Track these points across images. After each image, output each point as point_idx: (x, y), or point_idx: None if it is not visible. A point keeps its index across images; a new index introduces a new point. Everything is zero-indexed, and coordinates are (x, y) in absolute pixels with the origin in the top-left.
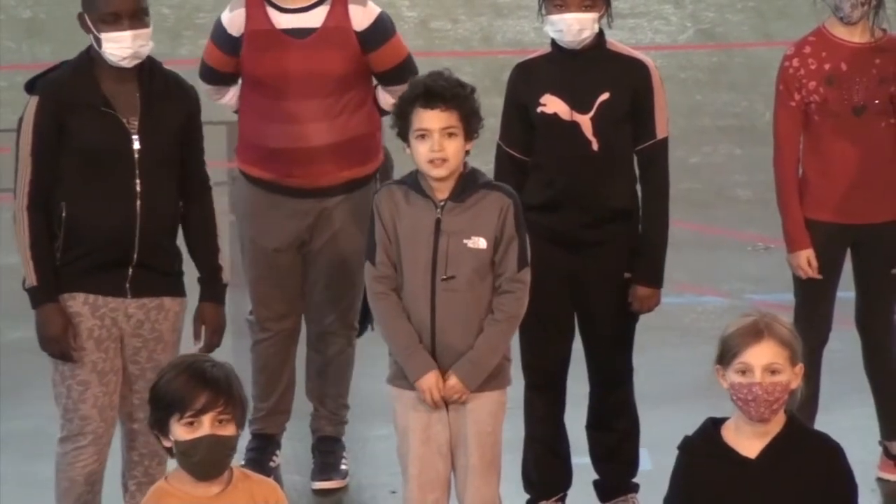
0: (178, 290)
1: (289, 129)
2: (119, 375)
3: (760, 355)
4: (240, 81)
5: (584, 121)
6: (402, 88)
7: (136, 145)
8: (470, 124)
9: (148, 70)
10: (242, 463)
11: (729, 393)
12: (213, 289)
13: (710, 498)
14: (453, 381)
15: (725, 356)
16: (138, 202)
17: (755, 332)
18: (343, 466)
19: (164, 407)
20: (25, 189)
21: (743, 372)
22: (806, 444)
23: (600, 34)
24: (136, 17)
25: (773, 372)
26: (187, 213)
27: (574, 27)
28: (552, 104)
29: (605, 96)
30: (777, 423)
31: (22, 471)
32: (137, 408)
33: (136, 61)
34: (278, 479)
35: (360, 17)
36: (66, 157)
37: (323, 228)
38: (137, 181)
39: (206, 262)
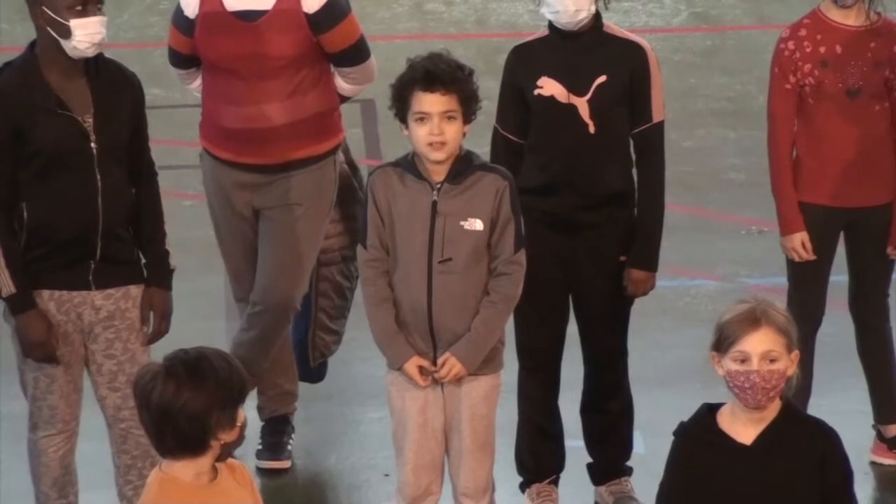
0: (140, 278)
1: (243, 111)
2: (82, 363)
3: (758, 343)
4: None
5: (581, 104)
6: (355, 70)
7: (94, 144)
8: (468, 107)
9: (94, 62)
10: (259, 446)
11: (725, 380)
12: (159, 274)
13: (705, 484)
14: (452, 361)
15: (722, 344)
16: (99, 198)
17: (752, 319)
18: (290, 447)
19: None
20: None
21: (741, 360)
22: (801, 430)
23: (597, 17)
24: (98, 2)
25: (771, 360)
26: (134, 202)
27: (570, 8)
28: (549, 87)
29: (602, 79)
30: (773, 410)
31: (19, 451)
32: (121, 407)
33: (99, 50)
34: (295, 462)
35: (311, 0)
36: (25, 160)
37: (278, 198)
38: (98, 178)
39: (153, 247)
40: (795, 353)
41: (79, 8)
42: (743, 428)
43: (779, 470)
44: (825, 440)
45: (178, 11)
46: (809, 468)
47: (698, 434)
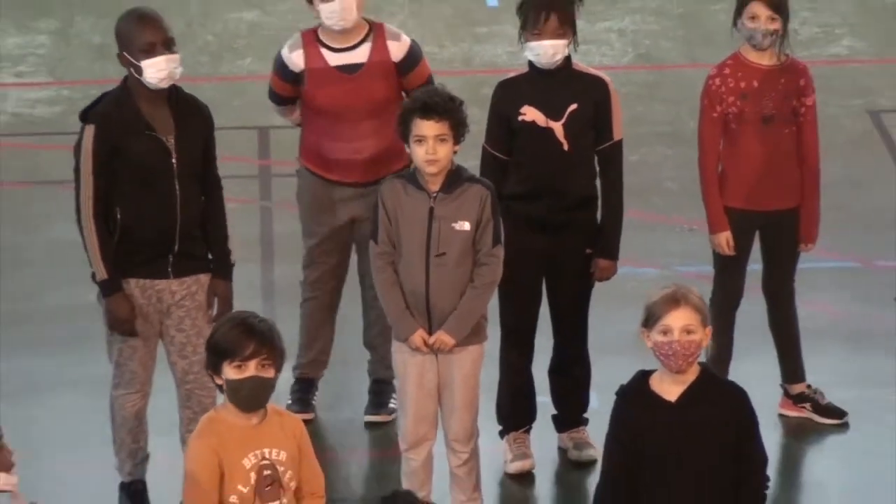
0: (207, 269)
1: (346, 146)
2: (158, 337)
3: (678, 319)
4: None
5: (557, 127)
6: None
7: (175, 160)
8: (458, 131)
9: (175, 94)
10: (289, 401)
11: (653, 350)
12: (223, 267)
13: (640, 433)
14: (443, 335)
15: (650, 320)
16: (178, 205)
17: (674, 300)
18: (392, 404)
19: (218, 353)
20: (90, 202)
21: (664, 332)
22: (715, 389)
23: (567, 57)
24: (166, 45)
25: (689, 332)
26: (204, 208)
27: (549, 52)
28: (531, 113)
29: (573, 107)
30: (692, 373)
31: (97, 405)
32: (188, 371)
33: (171, 81)
34: (318, 415)
35: (397, 50)
36: (119, 172)
37: (368, 208)
38: (177, 188)
39: (218, 246)
40: (709, 328)
41: (147, 50)
42: (668, 388)
43: (698, 421)
44: (735, 397)
45: (283, 66)
46: (722, 420)
47: (634, 393)
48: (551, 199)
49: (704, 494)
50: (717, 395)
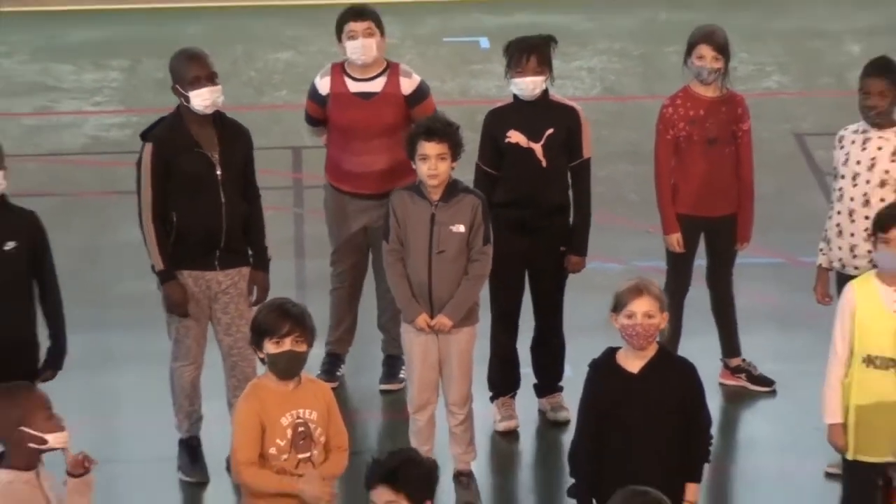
0: (248, 262)
1: (359, 160)
2: (208, 318)
3: (641, 305)
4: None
5: (537, 147)
6: None
7: (219, 172)
8: (456, 151)
9: (219, 118)
10: (320, 371)
11: (619, 331)
12: (261, 261)
13: (608, 399)
14: (443, 318)
15: (617, 306)
16: (223, 209)
17: (637, 290)
18: (401, 375)
19: (260, 332)
20: (149, 208)
21: (629, 316)
22: (670, 364)
23: (545, 90)
24: (210, 78)
25: (649, 317)
26: (246, 213)
27: (530, 86)
28: (515, 136)
29: (550, 131)
30: (651, 350)
31: (160, 375)
32: (232, 346)
33: (214, 108)
34: (343, 383)
35: (407, 85)
36: (173, 183)
37: (379, 217)
38: (222, 196)
39: (257, 243)
40: (665, 314)
41: (194, 82)
42: (632, 362)
43: (655, 389)
44: (686, 370)
45: (314, 91)
46: (676, 388)
47: (604, 366)
48: (532, 207)
49: (661, 450)
50: (671, 369)
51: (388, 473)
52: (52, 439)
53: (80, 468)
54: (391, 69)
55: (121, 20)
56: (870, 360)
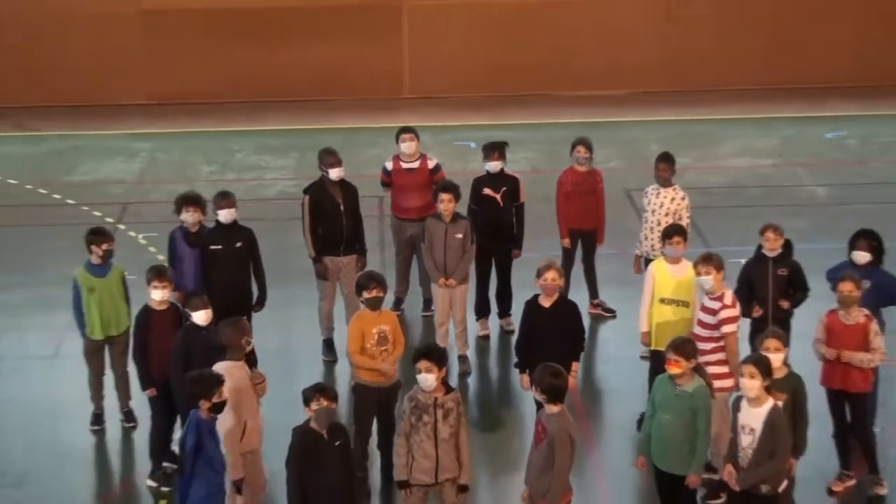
0: (356, 251)
1: (408, 203)
2: (336, 281)
3: (550, 274)
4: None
5: (498, 197)
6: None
7: (342, 209)
8: (457, 198)
9: (342, 180)
10: (390, 306)
11: (539, 288)
12: (362, 252)
13: (533, 321)
14: (451, 280)
15: (539, 275)
16: (343, 226)
17: (548, 266)
18: (432, 308)
19: (360, 287)
20: (307, 227)
21: (544, 280)
22: (565, 303)
23: (502, 168)
24: (338, 163)
25: (554, 280)
26: (354, 227)
27: (495, 168)
28: (487, 191)
29: (504, 188)
30: (555, 297)
31: (312, 314)
32: (349, 295)
33: (340, 177)
34: (403, 313)
35: (431, 164)
36: (319, 214)
37: (419, 233)
38: (343, 220)
39: (360, 243)
40: (563, 279)
41: (330, 165)
42: (545, 301)
43: (556, 317)
44: (572, 306)
45: (385, 168)
46: (567, 315)
47: (532, 304)
48: (494, 226)
49: (558, 346)
50: (565, 306)
51: (425, 352)
52: (250, 347)
53: (258, 377)
54: (422, 157)
55: (301, 133)
56: (662, 300)
